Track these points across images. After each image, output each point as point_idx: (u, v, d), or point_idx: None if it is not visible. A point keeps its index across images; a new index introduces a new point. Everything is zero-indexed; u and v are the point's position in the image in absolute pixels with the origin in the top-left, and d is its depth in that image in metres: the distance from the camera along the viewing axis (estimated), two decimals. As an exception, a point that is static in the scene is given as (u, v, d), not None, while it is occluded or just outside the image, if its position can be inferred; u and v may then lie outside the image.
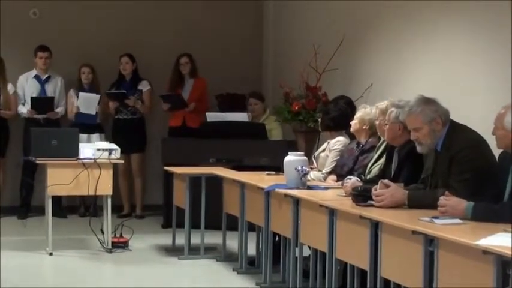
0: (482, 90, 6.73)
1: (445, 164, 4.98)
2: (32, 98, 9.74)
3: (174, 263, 7.43)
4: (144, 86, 10.10)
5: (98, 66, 10.06)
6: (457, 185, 4.85)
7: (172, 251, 7.83)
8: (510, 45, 6.45)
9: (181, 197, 7.70)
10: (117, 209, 9.32)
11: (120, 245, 7.89)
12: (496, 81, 6.59)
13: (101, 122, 10.03)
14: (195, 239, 7.58)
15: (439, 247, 4.14)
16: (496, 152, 4.87)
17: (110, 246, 7.77)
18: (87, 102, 9.81)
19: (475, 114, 6.24)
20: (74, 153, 7.70)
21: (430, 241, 4.21)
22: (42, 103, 9.81)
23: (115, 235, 7.96)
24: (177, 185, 7.93)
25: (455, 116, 5.18)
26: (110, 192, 7.78)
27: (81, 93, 9.83)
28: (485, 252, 3.73)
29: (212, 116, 9.32)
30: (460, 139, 5.00)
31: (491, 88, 6.63)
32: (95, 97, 9.83)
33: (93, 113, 9.83)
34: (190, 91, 10.05)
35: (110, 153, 7.82)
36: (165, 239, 8.20)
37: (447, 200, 4.54)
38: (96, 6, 10.44)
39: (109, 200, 7.78)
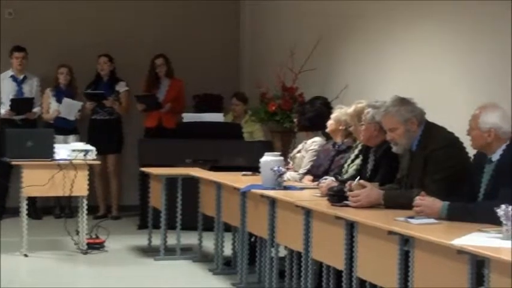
0: (458, 90, 6.76)
1: (420, 164, 4.99)
2: (12, 100, 9.67)
3: (150, 264, 7.40)
4: (122, 87, 10.05)
5: (75, 67, 10.01)
6: (432, 185, 4.86)
7: (148, 251, 7.80)
8: (481, 46, 6.49)
9: (157, 198, 7.67)
10: (92, 210, 9.24)
11: (95, 246, 7.84)
12: (471, 82, 6.62)
13: (77, 123, 9.98)
14: (171, 240, 7.56)
15: (414, 247, 4.14)
16: (471, 152, 4.88)
17: (85, 247, 7.73)
18: (69, 109, 9.78)
19: (450, 114, 6.26)
20: (49, 154, 7.65)
21: (406, 241, 4.22)
22: (21, 104, 9.76)
23: (90, 236, 7.91)
24: (153, 185, 7.91)
25: (430, 117, 5.19)
26: (86, 193, 7.74)
27: (65, 99, 9.78)
28: (460, 251, 3.74)
29: (188, 117, 9.31)
30: (435, 139, 5.02)
31: (466, 89, 6.65)
32: (77, 104, 9.80)
33: (73, 119, 9.80)
34: (166, 92, 10.02)
35: (85, 154, 7.78)
36: (141, 239, 8.17)
37: (422, 200, 4.55)
38: (73, 6, 10.38)
39: (84, 201, 7.74)
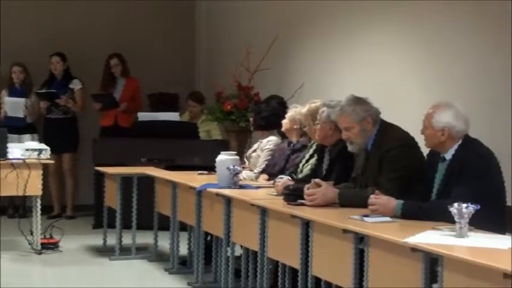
0: (413, 89, 6.81)
1: (375, 163, 5.02)
2: None
3: (105, 264, 7.35)
4: (76, 85, 9.97)
5: (30, 65, 9.91)
6: (386, 183, 4.89)
7: (103, 251, 7.75)
8: (434, 45, 6.55)
9: (112, 197, 7.63)
10: (47, 210, 9.17)
11: (50, 246, 7.77)
12: (426, 81, 6.68)
13: (34, 122, 9.89)
14: (127, 239, 7.52)
15: (369, 245, 4.17)
16: (425, 151, 4.92)
17: (39, 247, 7.65)
18: (13, 107, 9.70)
19: (404, 113, 6.31)
20: (2, 153, 7.56)
21: (360, 239, 4.24)
22: None
23: (45, 236, 7.84)
24: (108, 185, 7.86)
25: (385, 116, 5.23)
26: (40, 193, 7.67)
27: (6, 98, 9.72)
28: (414, 249, 3.77)
29: (144, 116, 9.26)
30: (390, 138, 5.05)
31: (421, 88, 6.71)
32: (20, 101, 9.71)
33: (21, 115, 9.70)
34: (122, 91, 9.96)
35: (39, 154, 7.71)
36: (96, 239, 8.11)
37: (377, 199, 4.58)
38: (27, 5, 10.27)
39: (38, 201, 7.67)
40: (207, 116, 9.25)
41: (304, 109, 6.09)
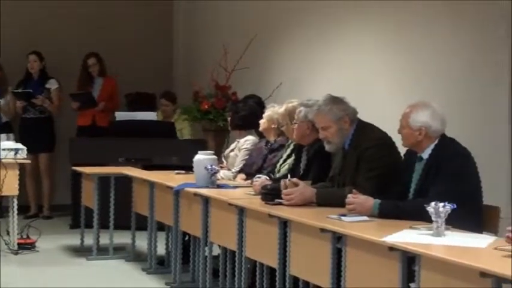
0: (390, 89, 6.83)
1: (353, 163, 5.03)
2: None
3: (82, 264, 7.32)
4: (52, 85, 9.91)
5: (6, 64, 9.85)
6: (364, 183, 4.90)
7: (81, 251, 7.71)
8: (411, 44, 6.58)
9: (89, 197, 7.60)
10: (23, 210, 9.13)
11: (26, 246, 7.73)
12: (403, 81, 6.70)
13: (9, 122, 9.83)
14: (104, 239, 7.49)
15: (346, 244, 4.17)
16: (402, 150, 4.94)
17: (16, 247, 7.61)
18: None
19: (381, 112, 6.33)
20: (-22, 153, 7.52)
21: (338, 238, 4.25)
22: None
23: (21, 236, 7.80)
24: (85, 185, 7.82)
25: (362, 115, 5.24)
26: (16, 193, 7.62)
27: None
28: (392, 248, 3.78)
29: (121, 115, 9.22)
30: (367, 138, 5.06)
31: (399, 88, 6.73)
32: None
33: None
34: (99, 90, 9.92)
35: (16, 153, 7.66)
36: (73, 239, 8.07)
37: (354, 198, 4.59)
38: (2, 4, 10.20)
39: (15, 201, 7.62)
40: (179, 115, 9.25)
41: (281, 109, 6.09)
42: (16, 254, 7.57)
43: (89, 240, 7.63)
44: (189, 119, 9.06)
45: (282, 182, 5.09)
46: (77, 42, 10.33)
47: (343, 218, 4.41)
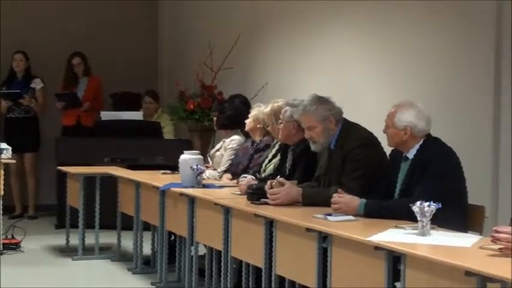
0: (375, 89, 6.85)
1: (338, 162, 5.04)
2: None
3: (68, 264, 7.30)
4: (37, 84, 9.87)
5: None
6: (349, 182, 4.91)
7: (66, 251, 7.69)
8: (394, 45, 6.60)
9: (75, 197, 7.58)
10: (8, 210, 9.09)
11: (11, 246, 7.70)
12: (387, 81, 6.72)
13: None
14: (90, 239, 7.47)
15: (332, 244, 4.18)
16: (388, 150, 4.95)
17: (1, 247, 7.57)
18: None
19: (366, 112, 6.34)
20: (-38, 153, 7.49)
21: (324, 238, 4.25)
22: None
23: (6, 236, 7.77)
24: (70, 184, 7.80)
25: (347, 115, 5.25)
26: (1, 193, 7.59)
27: None
28: (377, 248, 3.79)
29: (106, 115, 9.20)
30: (352, 137, 5.07)
31: (382, 87, 6.75)
32: None
33: None
34: (84, 90, 9.89)
35: (0, 153, 7.63)
36: (59, 239, 8.05)
37: (340, 198, 4.60)
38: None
39: (0, 201, 7.59)
40: (161, 114, 9.24)
41: (267, 108, 6.09)
42: (1, 254, 7.53)
43: (74, 240, 7.61)
44: (174, 119, 9.06)
45: (268, 182, 5.09)
46: (61, 41, 10.29)
47: (329, 217, 4.42)
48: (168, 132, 9.14)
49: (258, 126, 6.52)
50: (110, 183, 7.35)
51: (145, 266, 6.99)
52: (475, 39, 5.80)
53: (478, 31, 5.77)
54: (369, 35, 6.95)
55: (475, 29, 5.79)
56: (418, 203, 3.93)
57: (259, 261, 4.87)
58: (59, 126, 9.95)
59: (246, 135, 6.85)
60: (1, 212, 7.60)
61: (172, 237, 6.64)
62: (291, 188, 5.03)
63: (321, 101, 5.17)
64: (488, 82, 5.65)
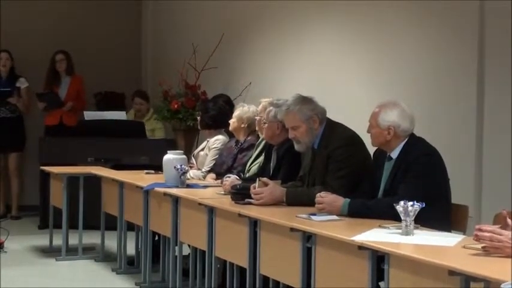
0: (360, 89, 6.86)
1: (322, 162, 5.04)
2: None
3: (51, 264, 7.27)
4: (22, 83, 9.83)
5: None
6: (333, 182, 4.91)
7: (50, 252, 7.66)
8: (379, 44, 6.61)
9: (58, 197, 7.55)
10: (-9, 210, 9.08)
11: (-5, 246, 7.68)
12: (371, 81, 6.73)
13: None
14: (73, 240, 7.45)
15: (316, 243, 4.17)
16: (371, 149, 4.95)
17: (-16, 248, 7.56)
18: None
19: (351, 112, 6.35)
20: None
21: (308, 238, 4.25)
22: None
23: (-11, 237, 7.75)
24: (54, 184, 7.77)
25: (331, 115, 5.25)
26: (-16, 193, 7.57)
27: None
28: (361, 247, 3.79)
29: (90, 115, 9.17)
30: (336, 137, 5.07)
31: (367, 87, 6.76)
32: None
33: None
34: (67, 89, 9.85)
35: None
36: (42, 240, 8.02)
37: (324, 197, 4.60)
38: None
39: (-17, 201, 7.57)
40: (152, 115, 9.20)
41: (259, 106, 6.03)
42: (-16, 254, 7.51)
43: (57, 241, 7.58)
44: (159, 119, 9.04)
45: (252, 186, 5.07)
46: (44, 41, 10.25)
47: (312, 217, 4.42)
48: (160, 135, 9.11)
49: (242, 126, 6.51)
50: (94, 183, 7.33)
51: (129, 266, 6.97)
52: (458, 37, 5.82)
53: (461, 30, 5.78)
54: (353, 34, 6.96)
55: (459, 27, 5.81)
56: (402, 202, 3.93)
57: (243, 261, 4.86)
58: (42, 126, 9.90)
59: (230, 135, 6.85)
60: (-16, 213, 7.58)
61: (156, 238, 6.62)
62: (274, 188, 5.03)
63: (304, 101, 5.17)
64: (472, 81, 5.67)
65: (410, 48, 6.27)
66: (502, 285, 2.92)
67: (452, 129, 5.82)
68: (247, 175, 6.02)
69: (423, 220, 4.03)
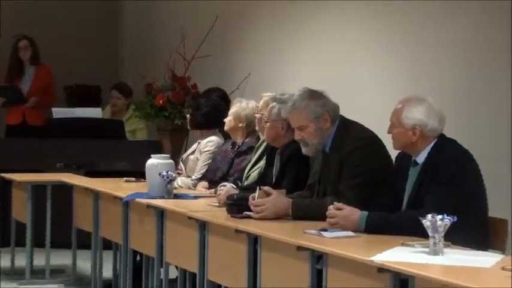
0: (377, 82, 6.88)
1: (335, 168, 5.04)
2: None
3: (13, 290, 7.31)
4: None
5: None
6: (348, 191, 4.91)
7: (11, 274, 7.70)
8: (400, 28, 6.63)
9: (21, 210, 7.57)
10: None
11: None
12: (392, 72, 6.75)
13: None
14: (39, 260, 7.46)
15: (328, 264, 4.19)
16: (393, 153, 4.96)
17: None
18: None
19: (369, 109, 6.37)
20: None
21: (318, 258, 4.26)
22: None
23: None
24: (16, 194, 7.80)
25: (345, 112, 5.25)
26: None
27: None
28: (381, 269, 3.79)
29: (59, 112, 9.20)
30: (351, 139, 5.07)
31: (387, 80, 6.78)
32: None
33: None
34: (31, 81, 9.85)
35: None
36: (3, 260, 8.03)
37: (337, 210, 4.61)
38: None
39: None
40: (134, 112, 9.21)
41: (260, 102, 6.04)
42: None
43: (20, 261, 7.60)
44: (141, 117, 9.04)
45: (251, 197, 5.09)
46: (8, 26, 10.26)
47: (323, 233, 4.43)
48: (142, 137, 9.14)
49: (240, 125, 6.53)
50: (64, 193, 7.35)
51: (105, 291, 7.00)
52: (489, 25, 5.83)
53: (492, 17, 5.81)
54: (371, 17, 6.98)
55: (490, 15, 5.84)
56: (429, 216, 3.94)
57: (241, 285, 4.87)
58: (3, 125, 9.93)
59: (226, 135, 6.87)
60: None
61: (138, 258, 6.64)
62: (278, 199, 5.04)
63: (313, 95, 5.16)
64: (506, 74, 5.68)
65: (436, 36, 6.30)
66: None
67: (486, 129, 5.83)
68: (245, 183, 6.04)
69: (455, 236, 4.03)
